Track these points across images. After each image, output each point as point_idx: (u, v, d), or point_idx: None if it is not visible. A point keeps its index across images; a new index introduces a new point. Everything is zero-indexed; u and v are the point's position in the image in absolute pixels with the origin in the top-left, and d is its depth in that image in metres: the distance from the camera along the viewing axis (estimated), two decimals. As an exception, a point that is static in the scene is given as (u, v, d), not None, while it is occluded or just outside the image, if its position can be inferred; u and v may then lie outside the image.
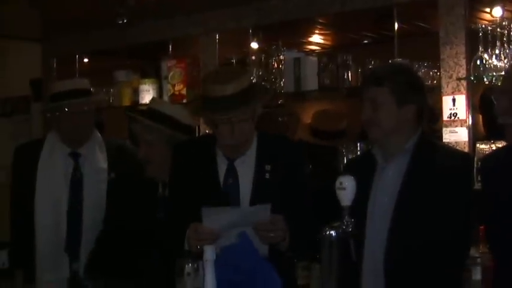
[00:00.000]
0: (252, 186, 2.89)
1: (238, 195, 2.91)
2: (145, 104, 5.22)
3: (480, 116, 4.52)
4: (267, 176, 2.89)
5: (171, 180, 3.09)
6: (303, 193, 2.94)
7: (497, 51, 3.78)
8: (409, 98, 2.74)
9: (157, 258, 3.09)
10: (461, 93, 3.96)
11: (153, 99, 3.44)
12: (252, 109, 2.89)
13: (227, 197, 2.90)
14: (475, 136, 4.02)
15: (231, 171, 2.93)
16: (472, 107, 4.01)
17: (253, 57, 4.84)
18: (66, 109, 3.53)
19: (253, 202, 2.87)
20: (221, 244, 2.65)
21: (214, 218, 2.70)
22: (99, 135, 3.73)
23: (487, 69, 3.79)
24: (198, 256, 2.46)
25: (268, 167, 2.89)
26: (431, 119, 4.06)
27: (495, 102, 2.60)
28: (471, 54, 3.92)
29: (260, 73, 4.61)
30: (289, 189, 2.88)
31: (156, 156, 3.20)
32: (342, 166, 4.16)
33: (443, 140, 3.93)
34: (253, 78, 4.47)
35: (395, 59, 4.16)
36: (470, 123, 3.97)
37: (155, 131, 3.20)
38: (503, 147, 2.90)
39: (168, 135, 3.20)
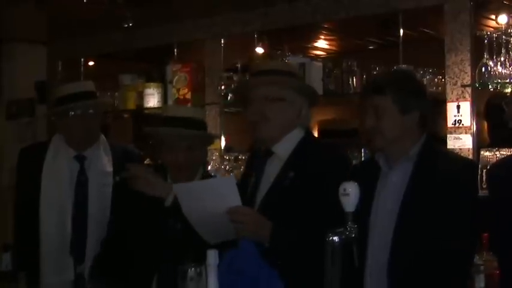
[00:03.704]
0: (267, 190, 2.86)
1: (256, 193, 2.90)
2: (151, 108, 5.25)
3: (485, 123, 4.53)
4: (287, 182, 2.81)
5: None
6: (321, 208, 2.71)
7: (502, 59, 3.79)
8: (412, 106, 2.72)
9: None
10: (466, 100, 3.97)
11: (166, 107, 3.41)
12: (285, 89, 2.89)
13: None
14: (479, 143, 4.02)
15: (259, 168, 2.94)
16: (476, 114, 4.01)
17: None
18: (72, 112, 3.53)
19: (264, 204, 2.84)
20: (196, 219, 2.76)
21: (185, 193, 2.78)
22: (105, 138, 3.73)
23: (492, 76, 3.80)
24: (201, 261, 2.46)
25: (291, 174, 2.81)
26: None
27: (506, 108, 2.61)
28: (476, 61, 3.93)
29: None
30: (307, 201, 2.74)
31: (194, 159, 3.18)
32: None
33: (448, 147, 3.93)
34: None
35: (400, 65, 4.17)
36: (474, 130, 3.97)
37: (192, 137, 3.16)
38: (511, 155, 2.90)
39: (202, 136, 3.21)
